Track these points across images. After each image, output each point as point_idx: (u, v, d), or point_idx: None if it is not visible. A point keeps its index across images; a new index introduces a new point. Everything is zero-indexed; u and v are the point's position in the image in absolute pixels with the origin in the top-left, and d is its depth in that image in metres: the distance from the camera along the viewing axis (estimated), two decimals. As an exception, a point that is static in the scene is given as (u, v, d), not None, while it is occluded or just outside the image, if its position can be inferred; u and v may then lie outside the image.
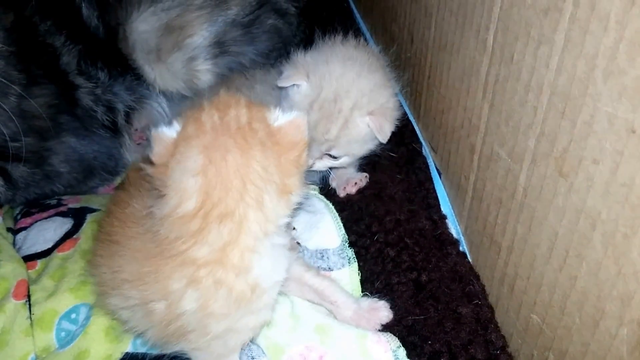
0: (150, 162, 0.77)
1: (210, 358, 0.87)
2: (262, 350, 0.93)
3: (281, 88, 1.12)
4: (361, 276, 1.03)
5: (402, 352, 0.90)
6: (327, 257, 1.05)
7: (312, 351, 0.91)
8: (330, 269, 1.04)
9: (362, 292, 1.01)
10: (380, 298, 0.98)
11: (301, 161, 0.78)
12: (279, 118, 0.78)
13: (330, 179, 1.21)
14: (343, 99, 1.04)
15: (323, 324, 0.94)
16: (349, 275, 1.03)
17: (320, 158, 1.09)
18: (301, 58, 1.11)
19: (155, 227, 0.77)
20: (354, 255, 1.05)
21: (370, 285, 1.02)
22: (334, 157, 1.10)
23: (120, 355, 0.96)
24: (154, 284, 0.79)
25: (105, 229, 0.91)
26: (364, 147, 1.11)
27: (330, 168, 1.16)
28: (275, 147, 0.75)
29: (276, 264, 0.81)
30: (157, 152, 0.76)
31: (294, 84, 1.05)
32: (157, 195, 0.76)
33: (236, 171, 0.72)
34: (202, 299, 0.77)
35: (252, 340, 0.93)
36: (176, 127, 0.78)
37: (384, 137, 1.07)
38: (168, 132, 0.77)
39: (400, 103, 1.16)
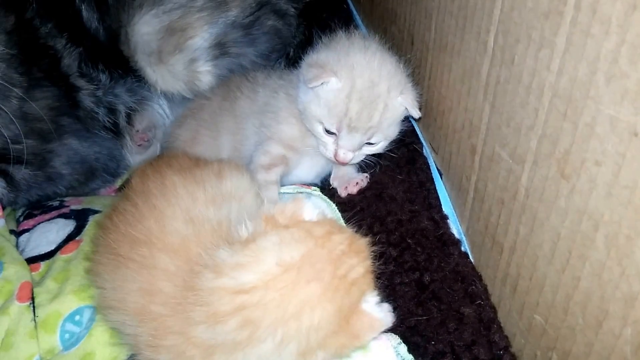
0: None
1: None
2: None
3: (293, 88, 1.14)
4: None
5: (403, 348, 0.90)
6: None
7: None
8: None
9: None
10: (382, 299, 0.99)
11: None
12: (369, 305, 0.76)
13: (331, 179, 1.21)
14: (379, 84, 1.05)
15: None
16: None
17: (360, 149, 1.09)
18: (316, 57, 1.11)
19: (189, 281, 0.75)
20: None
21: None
22: (372, 144, 1.10)
23: (125, 357, 0.96)
24: (153, 326, 0.77)
25: (109, 241, 0.88)
26: (397, 129, 1.12)
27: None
28: (346, 325, 0.72)
29: None
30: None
31: (322, 83, 1.05)
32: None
33: (303, 301, 0.69)
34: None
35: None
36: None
37: (418, 113, 1.09)
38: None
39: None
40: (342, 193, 1.17)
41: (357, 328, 0.73)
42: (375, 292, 0.78)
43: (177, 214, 0.86)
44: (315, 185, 1.21)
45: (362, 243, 0.78)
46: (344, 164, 1.10)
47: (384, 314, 0.78)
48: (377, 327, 0.75)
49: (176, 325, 0.74)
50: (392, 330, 0.94)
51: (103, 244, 0.90)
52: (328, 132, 1.07)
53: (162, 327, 0.75)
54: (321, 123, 1.07)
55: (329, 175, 1.23)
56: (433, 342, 0.91)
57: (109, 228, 0.90)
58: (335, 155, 1.08)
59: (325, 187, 1.22)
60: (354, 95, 1.03)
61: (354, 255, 0.74)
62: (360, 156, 1.11)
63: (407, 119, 1.15)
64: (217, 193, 0.92)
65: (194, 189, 0.91)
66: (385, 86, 1.05)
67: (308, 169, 1.21)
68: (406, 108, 1.09)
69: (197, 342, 0.72)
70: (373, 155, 1.15)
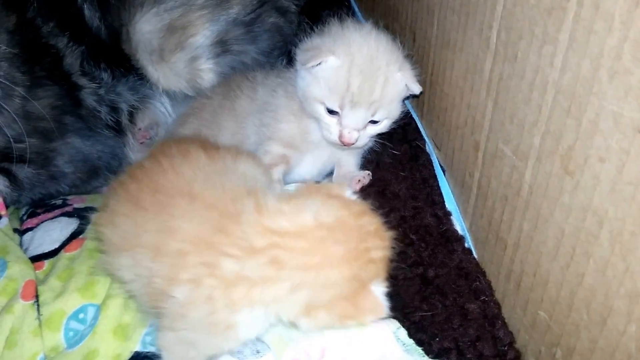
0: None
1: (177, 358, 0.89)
2: (267, 345, 0.93)
3: (292, 85, 1.14)
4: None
5: (402, 333, 0.91)
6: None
7: (315, 344, 0.91)
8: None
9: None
10: (386, 294, 0.99)
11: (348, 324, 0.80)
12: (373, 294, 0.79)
13: (333, 178, 1.21)
14: (377, 58, 1.05)
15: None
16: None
17: (364, 128, 1.09)
18: (311, 42, 1.12)
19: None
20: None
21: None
22: (375, 123, 1.10)
23: (129, 355, 0.96)
24: (169, 262, 0.82)
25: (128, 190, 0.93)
26: (399, 107, 1.12)
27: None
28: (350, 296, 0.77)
29: (262, 322, 0.83)
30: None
31: (319, 63, 1.05)
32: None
33: (326, 256, 0.76)
34: (188, 300, 0.79)
35: (256, 337, 0.94)
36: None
37: (419, 88, 1.09)
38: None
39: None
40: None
41: (362, 304, 0.77)
42: (385, 284, 0.82)
43: (198, 176, 0.91)
44: (318, 182, 1.21)
45: (388, 234, 0.84)
46: (349, 144, 1.08)
47: (386, 305, 0.80)
48: (379, 311, 0.78)
49: (197, 260, 0.79)
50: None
51: (121, 194, 0.94)
52: (330, 112, 1.07)
53: (181, 262, 0.80)
54: (322, 103, 1.07)
55: (331, 174, 1.23)
56: (438, 339, 0.91)
57: (128, 180, 0.95)
58: (341, 136, 1.07)
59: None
60: (354, 70, 1.04)
61: (378, 239, 0.81)
62: (365, 137, 1.10)
63: (406, 109, 1.15)
64: (234, 169, 0.97)
65: (215, 161, 0.97)
66: (383, 60, 1.06)
67: (310, 165, 1.21)
68: (406, 85, 1.09)
69: (220, 275, 0.77)
70: (376, 142, 1.15)
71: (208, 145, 1.03)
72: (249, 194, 0.83)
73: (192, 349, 0.85)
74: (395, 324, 0.91)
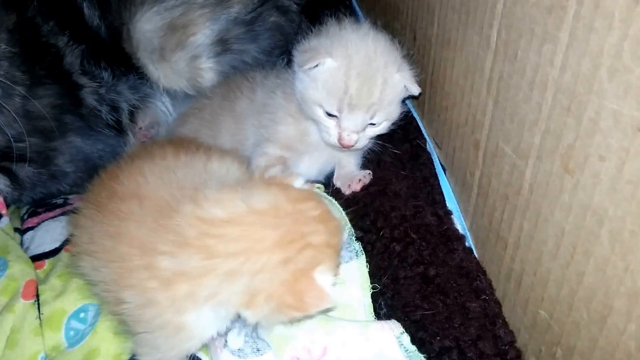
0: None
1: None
2: (267, 343, 0.93)
3: (291, 87, 1.13)
4: (368, 271, 1.03)
5: (405, 338, 0.90)
6: (335, 252, 1.05)
7: (316, 343, 0.91)
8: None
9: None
10: (387, 292, 0.99)
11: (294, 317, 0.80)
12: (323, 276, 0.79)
13: (334, 179, 1.21)
14: (375, 59, 1.04)
15: (327, 317, 0.94)
16: (358, 267, 1.03)
17: (363, 130, 1.08)
18: (308, 43, 1.11)
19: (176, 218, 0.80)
20: (361, 248, 1.05)
21: (378, 280, 1.02)
22: (374, 125, 1.09)
23: (129, 354, 0.96)
24: (117, 267, 0.83)
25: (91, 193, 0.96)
26: (398, 109, 1.11)
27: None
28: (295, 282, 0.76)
29: (215, 320, 0.84)
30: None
31: (316, 65, 1.04)
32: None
33: (257, 241, 0.76)
34: (137, 303, 0.80)
35: (256, 336, 0.94)
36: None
37: (418, 89, 1.08)
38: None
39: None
40: (346, 191, 1.17)
41: (304, 292, 0.76)
42: (335, 276, 0.82)
43: (151, 177, 0.91)
44: (319, 182, 1.21)
45: (337, 223, 0.84)
46: (349, 147, 1.07)
47: (332, 295, 0.80)
48: (324, 300, 0.77)
49: (141, 263, 0.80)
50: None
51: (86, 197, 0.96)
52: (329, 115, 1.06)
53: (128, 266, 0.81)
54: (321, 106, 1.06)
55: (332, 174, 1.22)
56: (438, 338, 0.91)
57: (95, 183, 0.98)
58: (340, 138, 1.06)
59: (329, 186, 1.22)
60: (351, 72, 1.03)
61: (321, 224, 0.80)
62: (364, 139, 1.10)
63: (407, 108, 1.14)
64: (201, 167, 0.97)
65: (178, 160, 0.96)
66: (382, 61, 1.05)
67: (309, 166, 1.21)
68: (405, 86, 1.08)
69: (159, 274, 0.78)
70: (376, 143, 1.15)
71: (181, 145, 1.03)
72: (195, 190, 0.84)
73: (157, 352, 0.86)
74: (398, 329, 0.91)
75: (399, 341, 0.90)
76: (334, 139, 1.07)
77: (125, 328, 0.92)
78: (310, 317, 0.87)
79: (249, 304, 0.76)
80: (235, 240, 0.76)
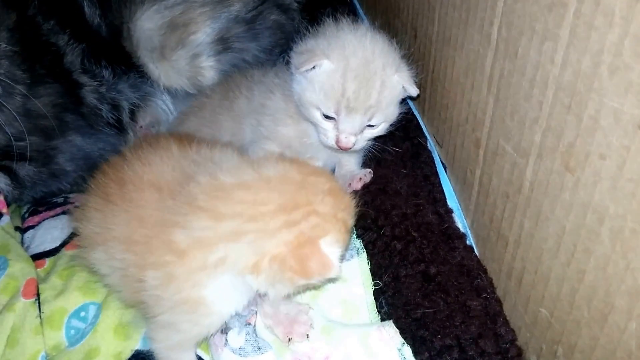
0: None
1: (165, 345, 0.90)
2: (268, 342, 0.93)
3: (290, 85, 1.12)
4: (369, 269, 1.04)
5: (407, 350, 0.90)
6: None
7: (318, 352, 0.92)
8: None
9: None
10: (388, 291, 0.99)
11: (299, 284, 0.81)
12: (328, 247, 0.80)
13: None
14: (373, 61, 1.03)
15: (328, 326, 0.94)
16: (359, 265, 1.03)
17: (362, 132, 1.08)
18: (305, 44, 1.10)
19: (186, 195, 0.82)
20: (362, 246, 1.05)
21: (378, 278, 1.02)
22: (372, 127, 1.09)
23: (130, 353, 0.96)
24: (138, 249, 0.84)
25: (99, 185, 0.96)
26: (396, 110, 1.11)
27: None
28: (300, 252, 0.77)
29: (232, 295, 0.85)
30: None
31: (313, 67, 1.04)
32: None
33: (262, 203, 0.79)
34: (158, 282, 0.82)
35: (257, 335, 0.94)
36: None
37: (416, 90, 1.08)
38: None
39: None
40: (347, 190, 1.17)
41: (308, 258, 0.76)
42: (343, 251, 0.83)
43: (165, 161, 0.93)
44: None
45: (348, 200, 0.86)
46: (346, 149, 1.07)
47: (337, 265, 0.80)
48: (328, 268, 0.77)
49: (158, 240, 0.82)
50: (399, 322, 0.94)
51: (92, 190, 0.97)
52: (326, 117, 1.06)
53: (147, 247, 0.83)
54: (318, 109, 1.05)
55: (332, 173, 1.22)
56: (440, 336, 0.91)
57: (99, 176, 0.98)
58: (337, 141, 1.06)
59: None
60: (349, 75, 1.02)
61: (330, 198, 0.82)
62: (362, 141, 1.09)
63: (408, 107, 1.13)
64: (208, 158, 0.98)
65: (185, 150, 0.97)
66: (380, 63, 1.04)
67: None
68: (403, 87, 1.07)
69: (174, 247, 0.80)
70: (376, 142, 1.15)
71: (183, 138, 1.03)
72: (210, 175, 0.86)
73: (176, 333, 0.86)
74: (400, 341, 0.91)
75: (401, 353, 0.90)
76: (331, 141, 1.07)
77: (138, 315, 0.94)
78: (316, 288, 0.91)
79: (255, 267, 0.77)
80: (241, 202, 0.79)
